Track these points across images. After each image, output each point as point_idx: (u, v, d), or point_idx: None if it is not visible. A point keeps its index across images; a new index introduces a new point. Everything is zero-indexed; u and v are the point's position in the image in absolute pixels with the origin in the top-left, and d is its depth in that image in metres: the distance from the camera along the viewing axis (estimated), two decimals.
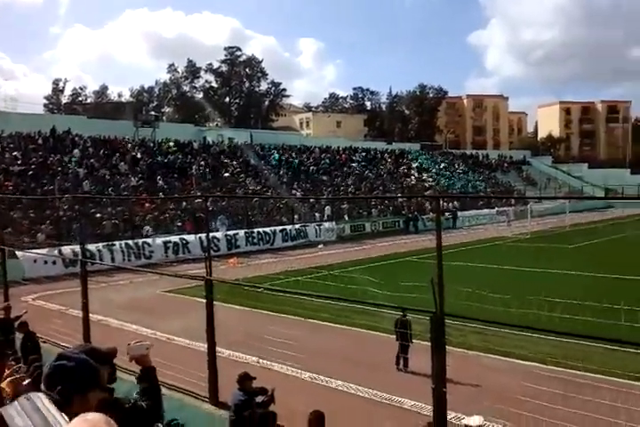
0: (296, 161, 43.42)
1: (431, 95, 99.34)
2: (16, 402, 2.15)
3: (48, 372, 2.40)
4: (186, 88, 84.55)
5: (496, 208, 43.87)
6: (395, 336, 10.13)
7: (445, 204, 39.52)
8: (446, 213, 37.35)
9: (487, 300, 10.71)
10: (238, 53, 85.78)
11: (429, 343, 6.00)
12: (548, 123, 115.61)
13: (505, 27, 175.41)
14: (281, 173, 40.03)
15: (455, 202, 42.55)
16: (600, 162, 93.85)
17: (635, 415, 7.02)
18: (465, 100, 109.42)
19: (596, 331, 7.64)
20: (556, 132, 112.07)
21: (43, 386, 2.40)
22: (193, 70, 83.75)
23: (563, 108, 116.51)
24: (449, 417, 6.42)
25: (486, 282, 16.83)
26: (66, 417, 2.06)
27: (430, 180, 51.52)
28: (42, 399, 2.21)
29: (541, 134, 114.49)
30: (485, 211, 44.01)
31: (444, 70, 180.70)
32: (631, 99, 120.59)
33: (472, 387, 8.86)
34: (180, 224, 27.79)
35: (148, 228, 26.30)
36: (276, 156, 42.30)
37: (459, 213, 41.14)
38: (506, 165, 66.00)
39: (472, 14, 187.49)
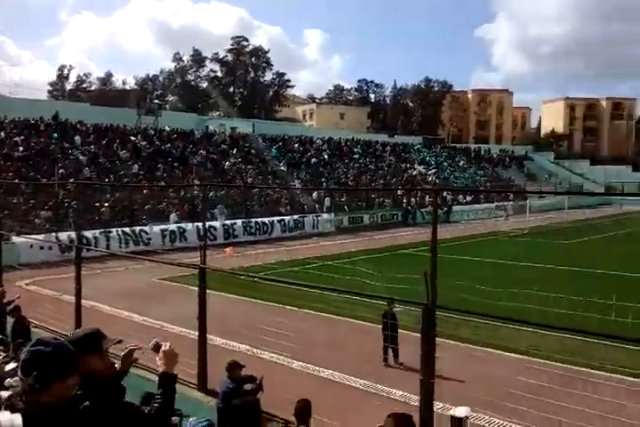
0: (297, 153, 43.41)
1: (436, 89, 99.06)
2: None
3: (25, 357, 2.39)
4: (190, 77, 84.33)
5: (495, 203, 43.90)
6: (381, 327, 10.11)
7: (442, 198, 39.65)
8: (440, 208, 37.36)
9: (480, 293, 10.75)
10: (245, 43, 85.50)
11: (420, 335, 6.02)
12: (551, 119, 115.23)
13: (512, 21, 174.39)
14: (281, 163, 40.00)
15: (450, 195, 42.58)
16: (602, 159, 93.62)
17: (623, 409, 7.06)
18: (470, 95, 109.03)
19: (586, 325, 7.69)
20: (560, 128, 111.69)
21: (19, 372, 2.40)
22: (198, 59, 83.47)
23: (567, 104, 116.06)
24: (436, 408, 6.45)
25: (481, 275, 16.90)
26: None
27: (431, 173, 51.48)
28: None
29: (545, 130, 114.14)
30: (485, 205, 44.04)
31: (450, 64, 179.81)
32: (636, 96, 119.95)
33: (460, 378, 8.90)
34: (177, 213, 27.83)
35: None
36: (274, 151, 42.10)
37: (458, 208, 41.24)
38: (508, 160, 65.92)
39: (479, 8, 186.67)
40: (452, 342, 10.01)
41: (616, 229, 33.53)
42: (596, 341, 8.99)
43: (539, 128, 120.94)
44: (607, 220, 41.22)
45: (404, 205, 39.00)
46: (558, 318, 8.47)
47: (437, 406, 6.79)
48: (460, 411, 6.49)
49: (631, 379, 8.30)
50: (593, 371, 8.85)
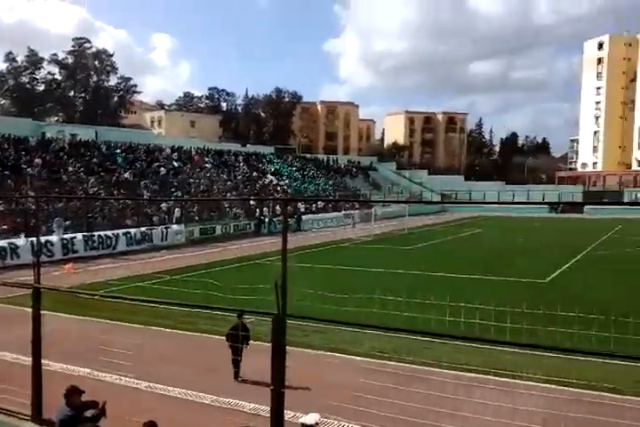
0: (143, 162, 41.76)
1: (287, 99, 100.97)
2: None
3: None
4: (25, 79, 77.76)
5: (343, 211, 45.68)
6: (231, 341, 9.95)
7: (290, 207, 40.45)
8: (290, 217, 37.92)
9: (331, 300, 11.07)
10: (87, 45, 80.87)
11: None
12: (394, 131, 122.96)
13: (358, 36, 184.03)
14: (127, 173, 38.21)
15: (304, 204, 43.63)
16: (439, 169, 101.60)
17: (460, 404, 7.61)
18: (319, 106, 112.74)
19: (425, 326, 8.24)
20: (401, 140, 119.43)
21: None
22: (34, 60, 77.26)
23: (407, 117, 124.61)
24: (287, 417, 6.50)
25: (331, 282, 17.45)
26: None
27: (283, 183, 52.27)
28: None
29: (388, 141, 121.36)
30: (333, 214, 45.64)
31: (301, 76, 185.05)
32: (467, 111, 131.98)
33: (311, 385, 9.08)
34: (4, 226, 25.34)
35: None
36: (119, 159, 40.18)
37: (309, 217, 42.33)
38: (354, 170, 68.90)
39: (328, 22, 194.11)
40: (302, 349, 10.19)
41: (451, 234, 36.51)
42: (438, 341, 9.69)
43: (382, 140, 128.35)
44: (444, 225, 44.75)
45: (256, 214, 39.14)
46: (402, 320, 8.97)
47: (289, 415, 6.86)
48: (310, 418, 6.61)
49: (468, 374, 8.99)
50: (432, 369, 9.47)
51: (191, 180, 42.41)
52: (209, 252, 27.97)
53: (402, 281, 18.91)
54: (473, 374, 8.49)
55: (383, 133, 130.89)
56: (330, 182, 59.64)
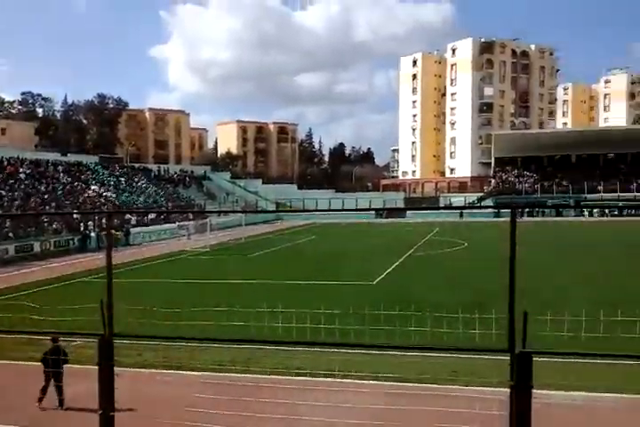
0: None
1: (111, 106, 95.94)
2: None
3: None
4: None
5: (177, 223, 44.43)
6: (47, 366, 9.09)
7: (117, 220, 38.46)
8: (116, 231, 35.50)
9: (165, 315, 10.63)
10: None
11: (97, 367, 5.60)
12: (226, 140, 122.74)
13: (185, 43, 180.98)
14: None
15: (136, 217, 41.74)
16: (272, 178, 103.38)
17: (294, 408, 7.69)
18: (147, 114, 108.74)
19: (259, 334, 8.25)
20: (234, 149, 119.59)
21: None
22: None
23: (240, 126, 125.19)
24: None
25: (165, 297, 16.81)
26: None
27: (109, 194, 49.45)
28: None
29: (221, 150, 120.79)
30: (167, 225, 44.21)
31: (127, 82, 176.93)
32: (297, 121, 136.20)
33: (144, 405, 8.62)
34: None
35: None
36: None
37: (139, 229, 40.51)
38: (187, 179, 67.42)
39: (154, 27, 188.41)
40: (135, 369, 9.65)
41: (287, 242, 37.24)
42: (271, 348, 9.74)
43: (216, 149, 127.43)
44: (279, 233, 45.52)
45: (81, 229, 36.52)
46: (237, 330, 8.88)
47: None
48: None
49: (302, 378, 9.14)
50: (271, 376, 9.50)
51: (2, 192, 38.41)
52: (26, 271, 25.49)
53: (238, 291, 18.83)
54: (307, 378, 8.67)
55: (216, 142, 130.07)
56: (161, 193, 57.70)
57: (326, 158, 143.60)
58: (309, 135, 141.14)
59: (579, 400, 7.61)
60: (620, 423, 7.11)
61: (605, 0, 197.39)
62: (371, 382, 8.13)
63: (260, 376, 9.42)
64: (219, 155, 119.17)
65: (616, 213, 57.46)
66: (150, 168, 66.43)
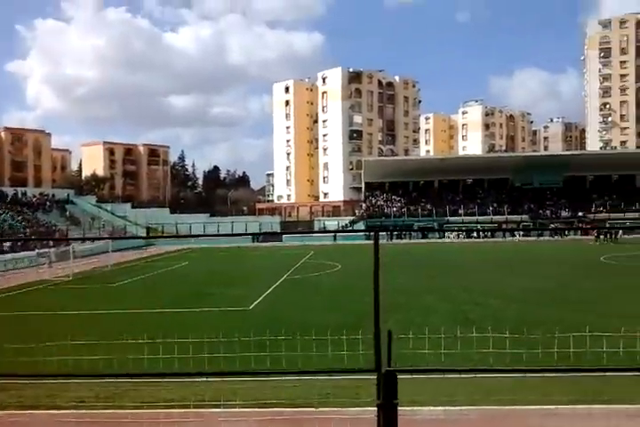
0: None
1: None
2: None
3: None
4: None
5: (37, 250, 41.20)
6: None
7: None
8: None
9: (18, 351, 9.70)
10: None
11: None
12: (92, 162, 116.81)
13: (45, 59, 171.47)
14: None
15: None
16: (142, 202, 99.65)
17: None
18: (2, 133, 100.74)
19: (123, 367, 7.76)
20: (101, 172, 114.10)
21: None
22: None
23: (106, 148, 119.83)
24: None
25: (20, 331, 15.41)
26: None
27: None
28: None
29: (86, 173, 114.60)
30: (24, 253, 40.86)
31: None
32: (169, 143, 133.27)
33: None
34: None
35: None
36: None
37: None
38: (48, 203, 63.10)
39: (12, 42, 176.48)
40: None
41: (158, 269, 35.85)
42: (140, 380, 9.21)
43: (80, 171, 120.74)
44: (150, 260, 43.73)
45: None
46: (101, 364, 8.31)
47: None
48: None
49: (170, 411, 8.72)
50: (135, 411, 8.94)
51: None
52: None
53: (101, 322, 17.73)
54: (175, 410, 8.29)
55: (80, 164, 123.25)
56: (18, 218, 53.38)
57: (200, 182, 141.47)
58: (182, 158, 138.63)
59: (442, 414, 7.94)
60: None
61: (462, 34, 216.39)
62: (244, 409, 7.93)
63: (124, 411, 8.84)
64: (83, 177, 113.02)
65: (475, 235, 61.97)
66: (5, 191, 61.36)
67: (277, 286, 25.71)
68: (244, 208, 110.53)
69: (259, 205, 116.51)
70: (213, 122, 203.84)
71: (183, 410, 7.79)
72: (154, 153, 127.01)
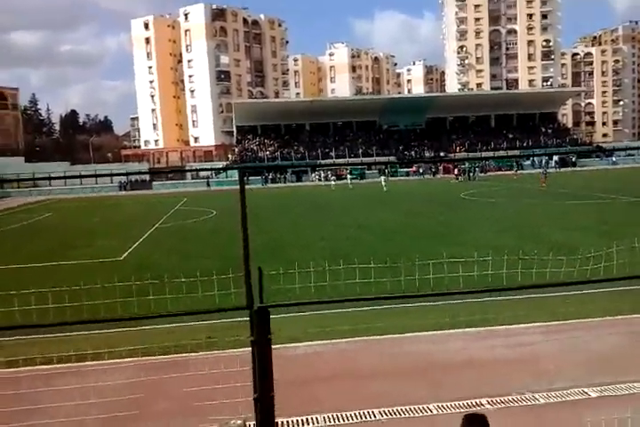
0: None
1: None
2: None
3: None
4: None
5: None
6: None
7: None
8: None
9: None
10: None
11: None
12: None
13: None
14: None
15: None
16: None
17: (36, 398, 6.98)
18: None
19: None
20: None
21: None
22: None
23: None
24: None
25: None
26: None
27: None
28: None
29: None
30: None
31: None
32: (18, 85, 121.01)
33: None
34: None
35: None
36: None
37: None
38: None
39: None
40: None
41: (16, 222, 33.33)
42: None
43: None
44: (6, 213, 40.47)
45: None
46: None
47: None
48: None
49: (46, 366, 8.35)
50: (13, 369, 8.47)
51: None
52: None
53: None
54: (53, 365, 7.95)
55: None
56: None
57: (57, 127, 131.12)
58: (34, 101, 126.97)
59: (318, 347, 8.35)
60: (355, 361, 8.02)
61: None
62: (126, 359, 7.79)
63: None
64: None
65: (351, 177, 63.73)
66: None
67: (149, 236, 25.00)
68: (109, 155, 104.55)
69: (124, 152, 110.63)
70: (66, 61, 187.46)
71: (61, 364, 7.51)
72: (1, 96, 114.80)
